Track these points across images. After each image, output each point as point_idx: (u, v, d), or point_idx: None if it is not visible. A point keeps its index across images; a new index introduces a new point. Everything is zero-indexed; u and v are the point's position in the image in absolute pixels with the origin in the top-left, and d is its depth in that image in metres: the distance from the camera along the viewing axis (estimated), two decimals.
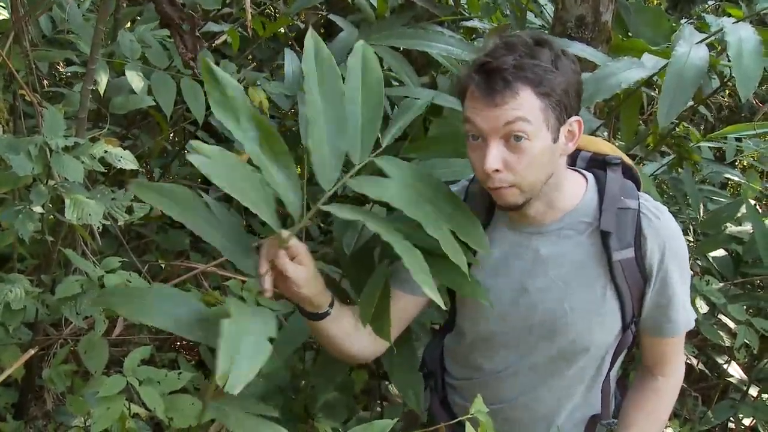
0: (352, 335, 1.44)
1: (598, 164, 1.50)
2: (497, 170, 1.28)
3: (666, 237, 1.40)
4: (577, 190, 1.43)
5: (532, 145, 1.27)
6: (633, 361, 2.33)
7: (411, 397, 1.67)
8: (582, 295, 1.42)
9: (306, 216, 1.22)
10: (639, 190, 1.48)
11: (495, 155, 1.27)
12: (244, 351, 0.99)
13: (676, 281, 1.42)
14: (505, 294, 1.45)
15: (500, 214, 1.47)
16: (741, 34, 1.98)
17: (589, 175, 1.47)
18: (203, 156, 1.10)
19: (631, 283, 1.41)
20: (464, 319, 1.55)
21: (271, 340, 1.03)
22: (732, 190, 4.21)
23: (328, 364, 1.81)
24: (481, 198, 1.46)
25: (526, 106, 1.25)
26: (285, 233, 1.22)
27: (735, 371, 2.72)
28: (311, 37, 1.30)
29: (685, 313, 1.47)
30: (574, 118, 1.33)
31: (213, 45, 2.77)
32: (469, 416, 1.28)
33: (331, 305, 1.38)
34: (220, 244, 1.19)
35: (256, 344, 1.01)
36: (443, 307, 1.21)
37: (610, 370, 1.52)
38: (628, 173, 1.50)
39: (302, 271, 1.26)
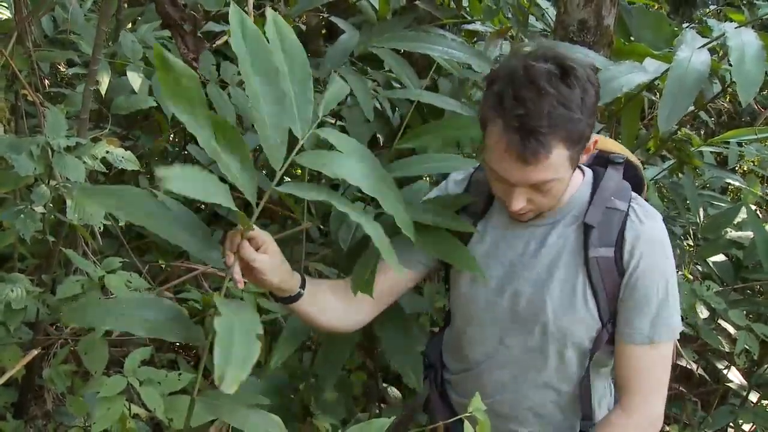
0: (330, 310, 1.47)
1: (601, 162, 1.51)
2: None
3: (645, 241, 1.39)
4: (574, 184, 1.45)
5: (557, 186, 1.32)
6: None
7: (410, 375, 1.68)
8: (562, 286, 1.42)
9: (262, 201, 1.17)
10: (643, 190, 1.48)
11: (520, 199, 1.33)
12: (236, 350, 0.98)
13: (646, 288, 1.39)
14: (493, 281, 1.47)
15: (499, 204, 1.48)
16: (743, 39, 1.98)
17: (588, 171, 1.48)
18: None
19: (607, 282, 1.40)
20: (456, 306, 1.57)
21: (257, 337, 1.02)
22: (732, 195, 4.21)
23: (331, 355, 1.82)
24: (484, 186, 1.48)
25: (557, 162, 1.26)
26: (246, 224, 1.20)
27: (735, 376, 2.71)
28: (236, 13, 1.18)
29: (650, 326, 1.40)
30: (592, 139, 1.34)
31: (214, 45, 2.76)
32: (468, 414, 1.28)
33: (302, 286, 1.39)
34: (182, 240, 1.16)
35: (246, 342, 1.00)
36: (399, 273, 1.16)
37: (588, 368, 1.48)
38: (632, 172, 1.51)
39: (267, 259, 1.26)
